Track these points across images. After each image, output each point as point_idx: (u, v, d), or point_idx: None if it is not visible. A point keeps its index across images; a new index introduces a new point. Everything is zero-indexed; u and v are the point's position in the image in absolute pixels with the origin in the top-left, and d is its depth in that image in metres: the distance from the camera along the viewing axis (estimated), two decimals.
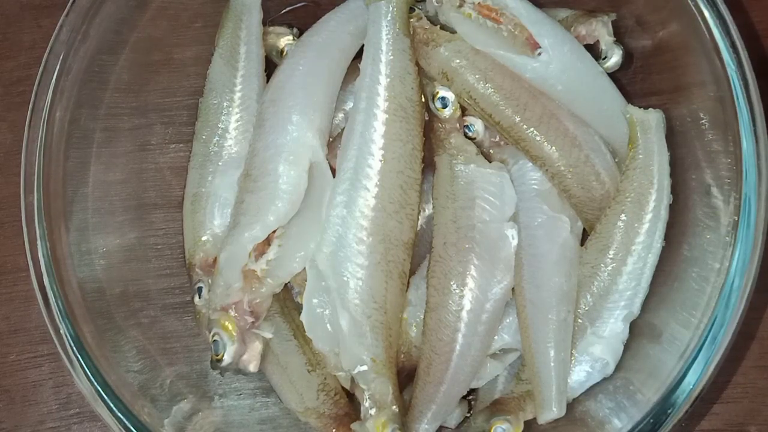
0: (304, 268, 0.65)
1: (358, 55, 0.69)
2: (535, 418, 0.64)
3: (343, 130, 0.67)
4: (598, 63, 0.68)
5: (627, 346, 0.65)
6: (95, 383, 0.59)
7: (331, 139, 0.69)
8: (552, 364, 0.63)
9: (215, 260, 0.66)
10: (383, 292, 0.64)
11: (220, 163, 0.69)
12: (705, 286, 0.59)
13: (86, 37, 0.65)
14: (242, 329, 0.63)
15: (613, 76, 0.69)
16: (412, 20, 0.68)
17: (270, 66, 0.72)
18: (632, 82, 0.71)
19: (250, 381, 0.69)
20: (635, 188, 0.65)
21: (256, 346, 0.64)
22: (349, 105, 0.70)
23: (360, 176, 0.64)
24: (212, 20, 0.73)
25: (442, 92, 0.68)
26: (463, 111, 0.69)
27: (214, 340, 0.63)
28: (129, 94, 0.71)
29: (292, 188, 0.63)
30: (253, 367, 0.64)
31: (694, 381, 0.57)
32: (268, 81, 0.70)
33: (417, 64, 0.68)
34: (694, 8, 0.60)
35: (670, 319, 0.63)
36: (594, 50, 0.69)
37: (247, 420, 0.68)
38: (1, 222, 0.77)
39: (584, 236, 0.68)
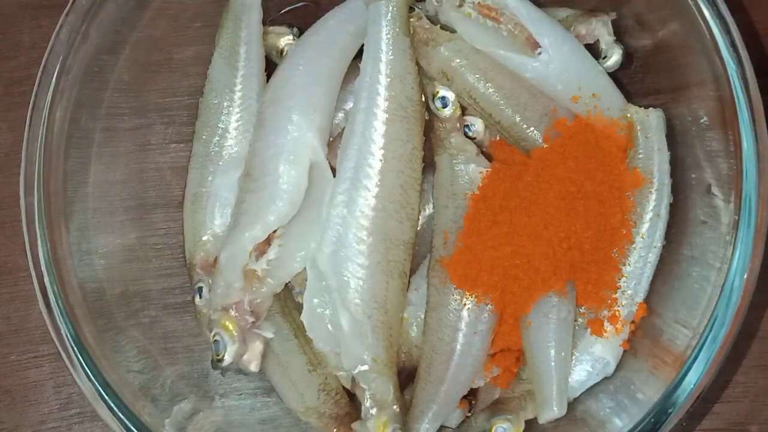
0: (305, 268, 0.65)
1: (359, 55, 0.69)
2: (535, 418, 0.64)
3: (343, 129, 0.67)
4: (599, 62, 0.68)
5: None
6: (96, 383, 0.59)
7: (331, 139, 0.69)
8: (552, 364, 0.63)
9: (216, 260, 0.66)
10: (384, 291, 0.64)
11: (220, 163, 0.70)
12: (705, 286, 0.59)
13: (86, 37, 0.65)
14: (243, 329, 0.64)
15: (614, 75, 0.69)
16: (412, 20, 0.68)
17: (270, 66, 0.72)
18: (632, 82, 0.71)
19: (250, 381, 0.69)
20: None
21: (257, 346, 0.64)
22: (350, 105, 0.70)
23: (360, 176, 0.64)
24: (212, 20, 0.73)
25: (442, 92, 0.68)
26: (463, 110, 0.69)
27: (215, 340, 0.63)
28: (129, 94, 0.71)
29: (293, 188, 0.63)
30: (253, 367, 0.65)
31: (694, 380, 0.57)
32: (268, 81, 0.70)
33: (417, 63, 0.68)
34: (694, 7, 0.60)
35: (670, 318, 0.63)
36: (594, 50, 0.69)
37: (248, 420, 0.69)
38: (1, 222, 0.77)
39: None
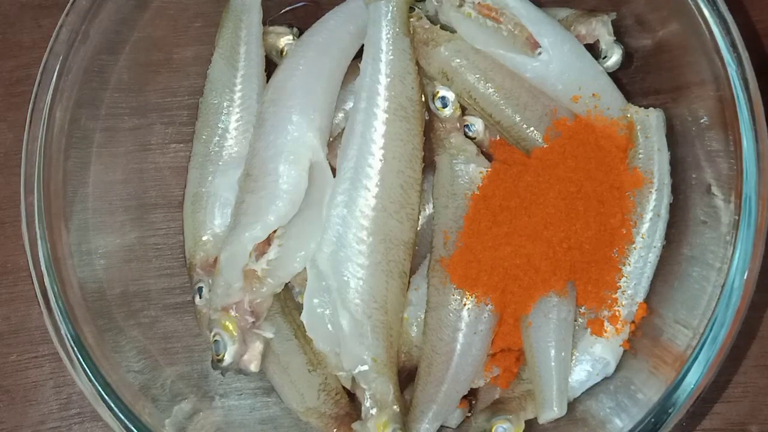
0: (305, 268, 0.65)
1: (359, 55, 0.69)
2: (535, 418, 0.64)
3: (343, 129, 0.67)
4: (599, 62, 0.68)
5: None
6: (96, 383, 0.60)
7: (331, 139, 0.69)
8: (552, 364, 0.63)
9: (216, 260, 0.66)
10: (384, 291, 0.64)
11: (220, 163, 0.70)
12: (706, 286, 0.59)
13: (86, 37, 0.65)
14: (243, 329, 0.64)
15: (614, 75, 0.69)
16: (412, 20, 0.68)
17: (270, 66, 0.72)
18: (632, 82, 0.71)
19: (250, 381, 0.69)
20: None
21: (257, 346, 0.64)
22: (350, 105, 0.70)
23: (360, 176, 0.64)
24: (212, 20, 0.73)
25: (443, 92, 0.68)
26: (463, 110, 0.69)
27: (215, 340, 0.63)
28: (129, 94, 0.71)
29: (293, 188, 0.63)
30: (254, 367, 0.64)
31: (695, 380, 0.57)
32: (268, 81, 0.70)
33: (417, 63, 0.68)
34: (694, 8, 0.60)
35: (670, 318, 0.63)
36: (594, 50, 0.69)
37: (248, 420, 0.69)
38: (1, 222, 0.77)
39: None
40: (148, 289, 0.70)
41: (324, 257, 0.64)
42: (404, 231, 0.65)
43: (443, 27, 0.68)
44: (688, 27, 0.62)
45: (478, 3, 0.67)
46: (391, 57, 0.66)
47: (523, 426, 0.64)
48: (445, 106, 0.68)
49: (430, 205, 0.69)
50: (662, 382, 0.58)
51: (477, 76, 0.67)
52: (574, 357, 0.65)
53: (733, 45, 0.59)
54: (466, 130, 0.69)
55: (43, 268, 0.61)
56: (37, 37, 0.79)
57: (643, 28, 0.70)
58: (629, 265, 0.64)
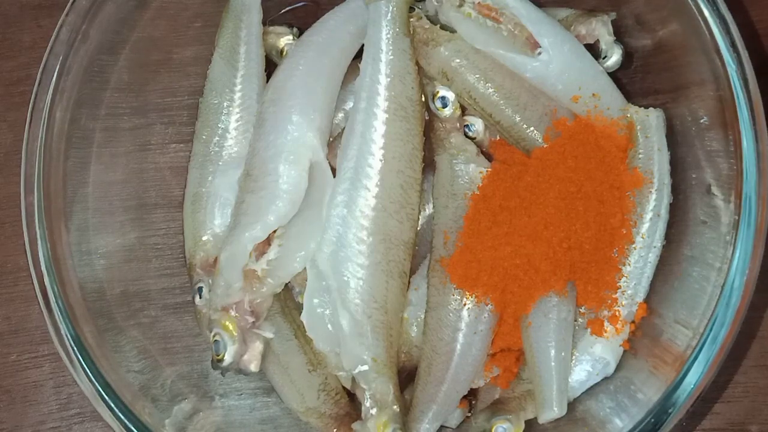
0: (305, 268, 0.65)
1: (359, 55, 0.69)
2: (535, 418, 0.64)
3: (343, 129, 0.67)
4: (598, 62, 0.68)
5: None
6: (96, 383, 0.60)
7: (331, 139, 0.69)
8: (552, 364, 0.63)
9: (216, 260, 0.66)
10: (384, 291, 0.64)
11: (220, 163, 0.70)
12: (706, 286, 0.59)
13: (86, 37, 0.65)
14: (243, 329, 0.64)
15: (614, 75, 0.69)
16: (412, 20, 0.68)
17: (270, 66, 0.72)
18: (632, 82, 0.71)
19: (250, 381, 0.69)
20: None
21: (257, 346, 0.64)
22: (350, 105, 0.70)
23: (360, 176, 0.64)
24: (212, 20, 0.73)
25: (442, 92, 0.68)
26: (463, 110, 0.69)
27: (215, 340, 0.63)
28: (129, 94, 0.71)
29: (293, 188, 0.63)
30: (254, 367, 0.64)
31: (695, 380, 0.57)
32: (268, 81, 0.70)
33: (417, 63, 0.68)
34: (694, 7, 0.61)
35: (670, 318, 0.63)
36: (594, 49, 0.69)
37: (248, 420, 0.69)
38: (1, 222, 0.77)
39: None
40: (148, 289, 0.70)
41: (324, 257, 0.64)
42: (404, 231, 0.65)
43: (443, 27, 0.68)
44: (688, 27, 0.62)
45: (478, 3, 0.67)
46: (391, 57, 0.66)
47: (523, 426, 0.64)
48: (445, 106, 0.68)
49: (430, 205, 0.69)
50: (662, 382, 0.58)
51: (477, 76, 0.67)
52: (574, 357, 0.65)
53: (733, 45, 0.59)
54: (466, 130, 0.69)
55: (43, 268, 0.61)
56: (37, 37, 0.79)
57: (643, 28, 0.70)
58: (629, 265, 0.64)
